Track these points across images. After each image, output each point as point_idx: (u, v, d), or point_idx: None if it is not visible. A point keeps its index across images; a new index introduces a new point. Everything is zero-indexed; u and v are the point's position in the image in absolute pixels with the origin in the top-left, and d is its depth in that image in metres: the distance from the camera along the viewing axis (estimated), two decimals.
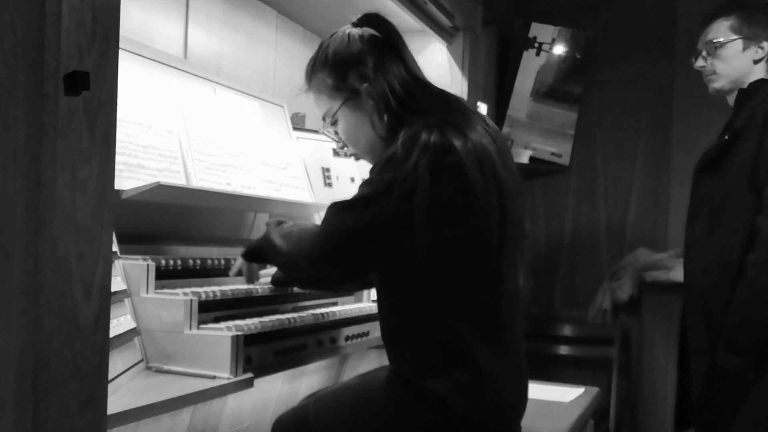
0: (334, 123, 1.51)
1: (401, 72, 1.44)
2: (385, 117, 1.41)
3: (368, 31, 1.48)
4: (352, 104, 1.46)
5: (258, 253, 1.57)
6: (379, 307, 1.44)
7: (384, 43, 1.46)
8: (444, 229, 1.28)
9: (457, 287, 1.33)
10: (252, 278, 1.68)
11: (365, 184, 1.34)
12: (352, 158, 1.59)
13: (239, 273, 1.68)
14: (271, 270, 1.69)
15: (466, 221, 1.30)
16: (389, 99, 1.41)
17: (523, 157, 3.74)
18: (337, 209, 1.35)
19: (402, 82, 1.42)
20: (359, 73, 1.45)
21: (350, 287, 1.88)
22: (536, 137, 3.76)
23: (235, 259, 1.74)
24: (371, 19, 1.50)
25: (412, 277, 1.34)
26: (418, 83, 1.45)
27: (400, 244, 1.30)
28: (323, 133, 1.58)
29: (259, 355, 1.45)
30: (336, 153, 2.31)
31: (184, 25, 2.06)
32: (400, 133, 1.32)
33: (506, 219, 1.34)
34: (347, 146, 1.54)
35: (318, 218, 2.17)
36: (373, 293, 2.03)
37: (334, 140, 1.57)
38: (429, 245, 1.29)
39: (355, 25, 1.50)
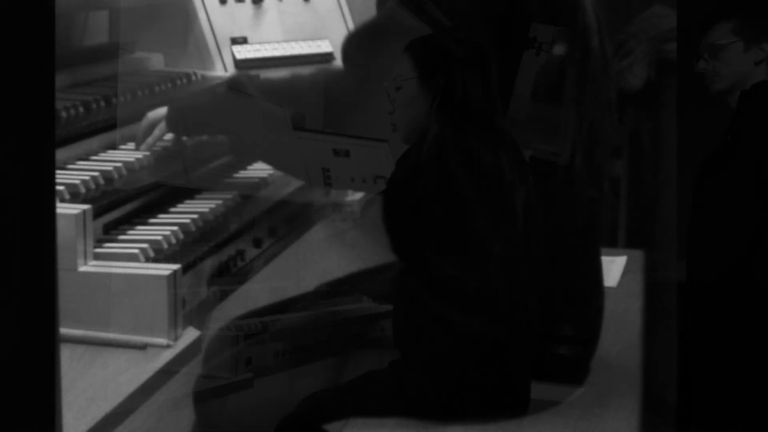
0: (399, 87, 1.65)
1: (473, 95, 1.70)
2: (434, 113, 1.62)
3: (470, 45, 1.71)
4: (420, 83, 1.64)
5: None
6: None
7: (474, 65, 1.70)
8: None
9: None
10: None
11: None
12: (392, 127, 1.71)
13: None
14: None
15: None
16: (449, 106, 1.63)
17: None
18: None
19: (465, 101, 1.67)
20: (446, 72, 1.64)
21: None
22: (536, 137, 3.75)
23: None
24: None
25: None
26: (476, 112, 1.72)
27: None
28: (386, 90, 1.68)
29: (259, 356, 1.44)
30: (336, 153, 2.31)
31: None
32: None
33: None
34: (392, 113, 1.68)
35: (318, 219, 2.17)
36: None
37: (389, 102, 1.68)
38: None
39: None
